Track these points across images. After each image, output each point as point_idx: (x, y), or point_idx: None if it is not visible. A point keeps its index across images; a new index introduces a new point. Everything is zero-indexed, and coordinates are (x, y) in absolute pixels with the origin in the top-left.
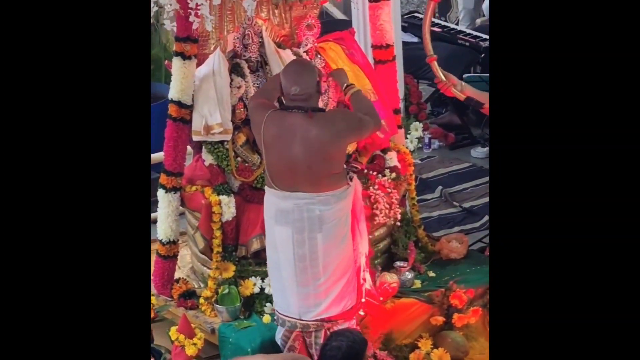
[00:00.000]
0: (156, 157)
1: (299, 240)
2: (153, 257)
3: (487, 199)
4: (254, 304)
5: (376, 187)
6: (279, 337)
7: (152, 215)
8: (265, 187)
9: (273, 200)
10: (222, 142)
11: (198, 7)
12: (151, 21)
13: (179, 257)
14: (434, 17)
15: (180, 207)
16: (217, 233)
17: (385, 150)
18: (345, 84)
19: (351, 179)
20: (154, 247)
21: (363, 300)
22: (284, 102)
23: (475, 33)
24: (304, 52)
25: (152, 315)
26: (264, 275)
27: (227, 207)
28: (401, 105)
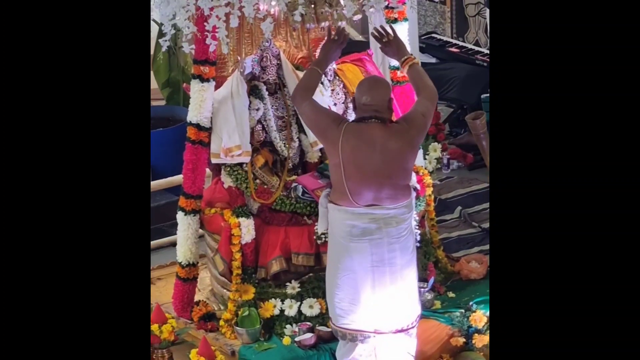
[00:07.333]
0: (175, 179)
1: (378, 254)
2: (173, 280)
3: None
4: (274, 325)
5: None
6: (348, 357)
7: (156, 241)
8: (333, 205)
9: (346, 217)
10: (240, 164)
11: (215, 30)
12: (169, 44)
13: (198, 279)
14: (452, 37)
15: (200, 230)
16: (237, 255)
17: None
18: (404, 55)
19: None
20: (173, 269)
21: None
22: (357, 113)
23: None
24: None
25: (172, 338)
26: (283, 297)
27: (247, 229)
28: None
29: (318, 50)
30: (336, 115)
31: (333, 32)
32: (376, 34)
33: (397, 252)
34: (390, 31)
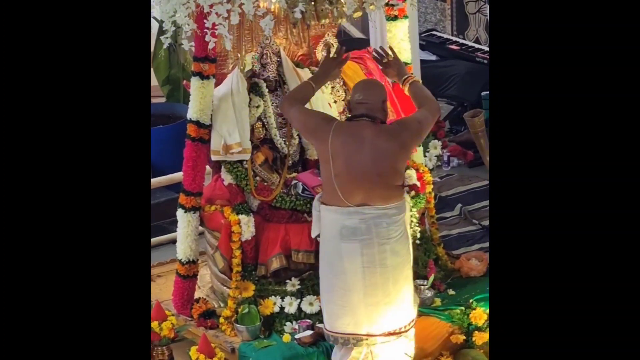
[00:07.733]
0: (175, 177)
1: (369, 254)
2: (173, 277)
3: None
4: (274, 323)
5: None
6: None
7: (156, 238)
8: (324, 206)
9: (336, 217)
10: (240, 161)
11: (215, 27)
12: (169, 41)
13: (198, 276)
14: (452, 35)
15: (200, 227)
16: (237, 252)
17: None
18: (405, 75)
19: (408, 192)
20: (173, 266)
21: None
22: (350, 113)
23: None
24: None
25: (172, 335)
26: (283, 295)
27: (247, 226)
28: None
29: (318, 48)
30: (326, 115)
31: (332, 51)
32: (376, 55)
33: (388, 254)
34: (390, 52)
